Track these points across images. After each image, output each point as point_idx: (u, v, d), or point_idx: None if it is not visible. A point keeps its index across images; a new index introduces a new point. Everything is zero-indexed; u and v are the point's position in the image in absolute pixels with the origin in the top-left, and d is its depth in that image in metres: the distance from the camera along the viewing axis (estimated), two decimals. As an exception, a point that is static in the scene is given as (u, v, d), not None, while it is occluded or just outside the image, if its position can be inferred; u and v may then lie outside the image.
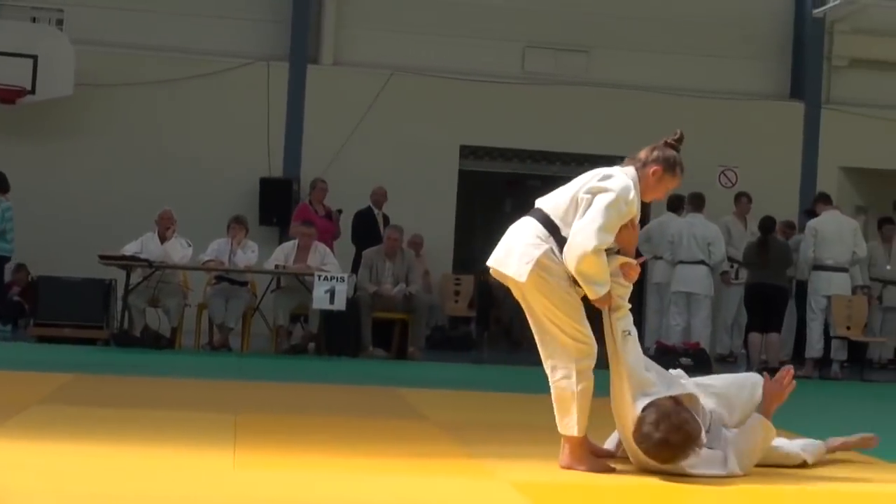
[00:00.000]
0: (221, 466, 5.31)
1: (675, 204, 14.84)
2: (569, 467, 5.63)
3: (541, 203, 5.75)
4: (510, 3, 17.13)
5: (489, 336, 15.68)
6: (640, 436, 5.46)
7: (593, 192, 5.56)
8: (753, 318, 13.86)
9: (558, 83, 17.02)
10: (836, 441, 6.25)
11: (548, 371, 5.65)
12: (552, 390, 5.64)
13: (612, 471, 5.62)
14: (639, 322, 16.94)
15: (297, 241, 13.32)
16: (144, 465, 5.28)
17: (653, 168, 5.71)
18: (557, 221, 5.61)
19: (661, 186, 5.74)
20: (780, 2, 17.87)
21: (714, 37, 17.44)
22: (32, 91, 15.28)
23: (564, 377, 5.58)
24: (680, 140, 5.80)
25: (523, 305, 5.70)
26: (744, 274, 14.42)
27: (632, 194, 5.59)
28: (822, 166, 17.48)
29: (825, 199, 14.16)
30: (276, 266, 13.15)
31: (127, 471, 5.13)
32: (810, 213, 15.24)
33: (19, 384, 8.40)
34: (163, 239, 13.06)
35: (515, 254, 5.63)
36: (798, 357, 14.33)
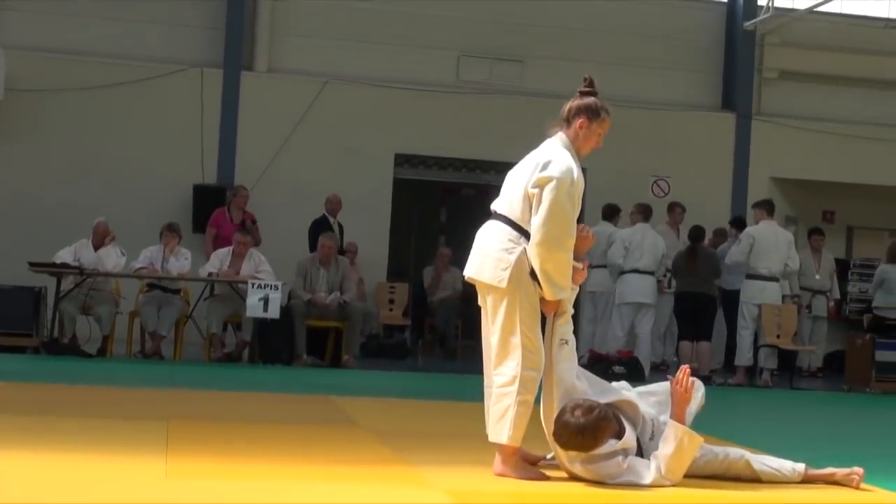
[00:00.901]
0: (153, 475, 5.27)
1: (611, 213, 14.94)
2: (502, 475, 5.65)
3: (498, 207, 5.78)
4: (445, 13, 17.18)
5: (424, 344, 15.69)
6: (558, 428, 5.47)
7: (540, 185, 5.60)
8: (683, 326, 13.99)
9: (493, 92, 17.10)
10: (819, 471, 5.89)
11: (494, 377, 5.67)
12: (493, 396, 5.66)
13: (546, 478, 5.65)
14: (573, 330, 17.01)
15: (231, 249, 13.25)
16: (75, 473, 5.23)
17: (578, 121, 5.78)
18: (520, 222, 5.65)
19: (592, 136, 5.80)
20: (711, 14, 18.09)
21: (647, 48, 17.62)
22: (-39, 95, 15.09)
23: (507, 384, 5.60)
24: (591, 84, 5.86)
25: (489, 310, 5.71)
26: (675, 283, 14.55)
27: (575, 173, 5.64)
28: (753, 176, 17.72)
29: (768, 208, 14.08)
30: (210, 274, 13.07)
31: (57, 479, 5.07)
32: (738, 222, 15.43)
33: (-53, 393, 8.27)
34: (97, 247, 12.94)
35: (491, 259, 5.66)
36: (728, 365, 14.49)
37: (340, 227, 14.87)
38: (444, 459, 6.12)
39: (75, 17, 16.21)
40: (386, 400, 9.52)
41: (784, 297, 14.33)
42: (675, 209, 15.60)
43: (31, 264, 12.72)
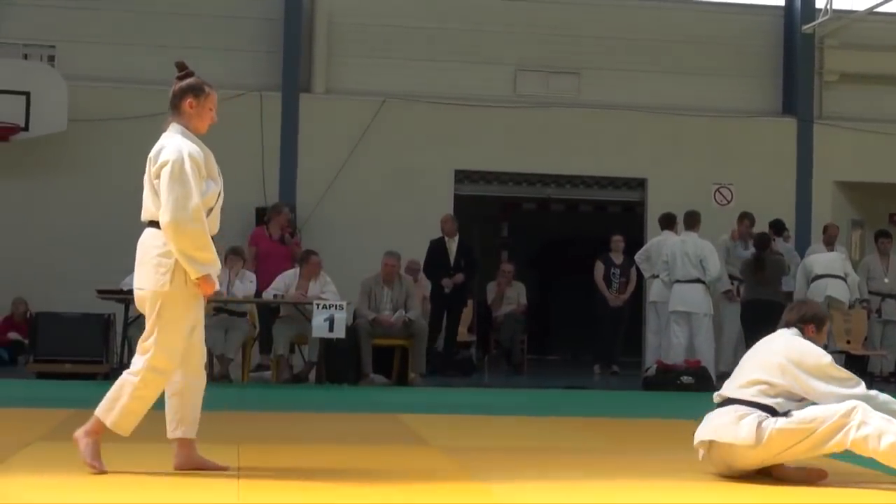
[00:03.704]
0: (226, 498, 5.29)
1: (668, 222, 14.79)
2: (76, 442, 5.76)
3: (143, 216, 5.87)
4: (500, 27, 17.19)
5: (489, 360, 15.67)
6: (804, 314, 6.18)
7: (158, 175, 5.73)
8: (750, 334, 13.81)
9: (550, 105, 17.06)
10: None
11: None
12: (120, 378, 5.81)
13: (104, 472, 5.68)
14: (638, 341, 16.92)
15: (297, 270, 13.30)
16: (148, 498, 5.27)
17: (186, 102, 5.91)
18: None
19: (204, 112, 5.98)
20: (769, 19, 17.95)
21: (704, 55, 17.51)
22: (26, 128, 15.32)
23: (133, 374, 5.78)
24: (184, 67, 5.98)
25: (149, 314, 5.81)
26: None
27: (187, 148, 5.78)
28: (817, 181, 17.54)
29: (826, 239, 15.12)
30: (275, 296, 13.14)
31: (131, 505, 5.11)
32: (777, 225, 15.63)
33: (20, 421, 8.39)
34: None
35: (151, 266, 5.75)
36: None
37: (462, 245, 14.91)
38: (513, 475, 6.08)
39: (134, 47, 16.42)
40: (453, 416, 9.50)
41: (853, 301, 14.17)
42: (744, 221, 15.30)
43: (100, 292, 12.87)
